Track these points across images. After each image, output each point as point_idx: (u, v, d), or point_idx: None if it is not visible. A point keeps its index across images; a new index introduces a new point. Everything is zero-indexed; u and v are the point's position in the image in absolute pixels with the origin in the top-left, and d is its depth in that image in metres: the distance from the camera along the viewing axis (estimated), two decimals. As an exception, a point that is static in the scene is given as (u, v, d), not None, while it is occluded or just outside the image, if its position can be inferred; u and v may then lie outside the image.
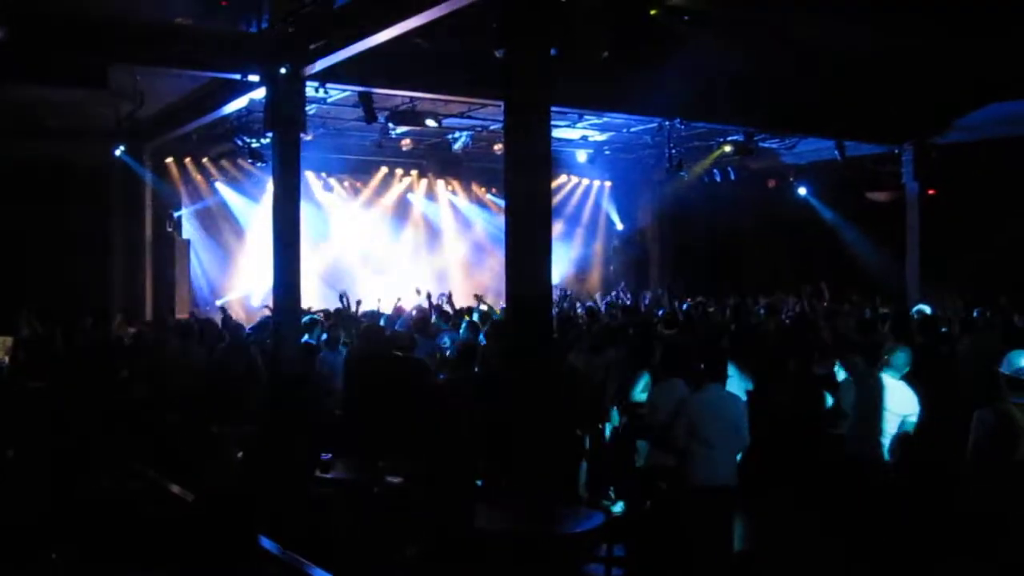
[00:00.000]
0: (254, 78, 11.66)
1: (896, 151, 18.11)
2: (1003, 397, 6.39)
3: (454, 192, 22.52)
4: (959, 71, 13.42)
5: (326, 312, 13.96)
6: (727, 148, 18.31)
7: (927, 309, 14.19)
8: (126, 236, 18.20)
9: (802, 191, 20.87)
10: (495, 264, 20.49)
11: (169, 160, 18.60)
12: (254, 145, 15.62)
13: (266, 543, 4.29)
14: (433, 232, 22.43)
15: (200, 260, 19.51)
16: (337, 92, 13.52)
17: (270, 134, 12.18)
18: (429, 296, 15.04)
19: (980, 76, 13.89)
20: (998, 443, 6.27)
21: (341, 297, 14.02)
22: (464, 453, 7.38)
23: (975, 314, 13.03)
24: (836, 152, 17.84)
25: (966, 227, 18.37)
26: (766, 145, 19.24)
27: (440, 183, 22.21)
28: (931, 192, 18.09)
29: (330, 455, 8.06)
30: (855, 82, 14.11)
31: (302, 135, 11.96)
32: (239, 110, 14.37)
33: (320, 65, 11.10)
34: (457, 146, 17.69)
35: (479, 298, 16.12)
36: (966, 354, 9.67)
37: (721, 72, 13.31)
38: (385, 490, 7.45)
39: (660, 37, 11.23)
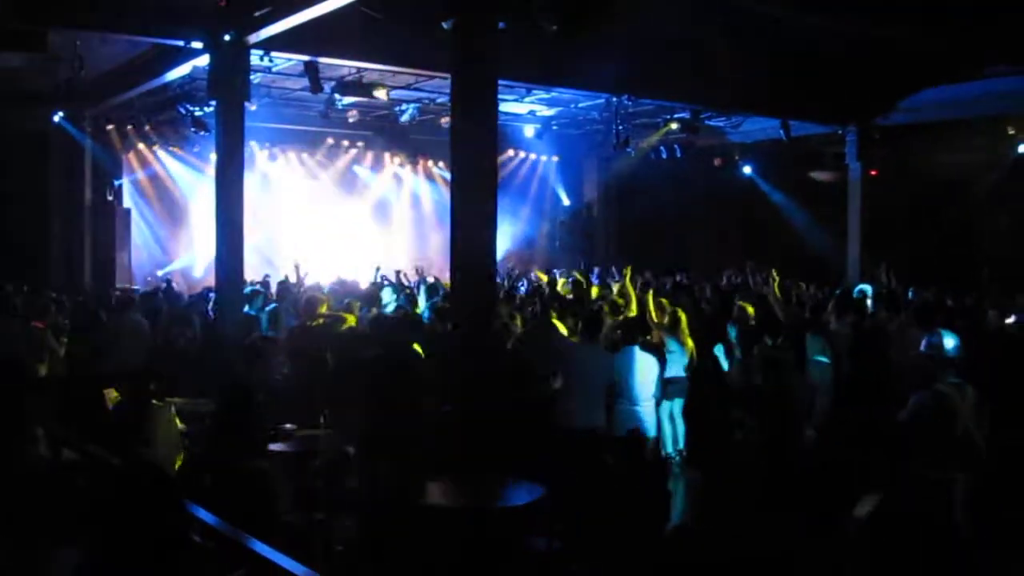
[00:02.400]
0: (197, 45, 11.46)
1: (840, 132, 18.32)
2: (936, 378, 6.55)
3: (401, 165, 22.38)
4: (903, 54, 13.57)
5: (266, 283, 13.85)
6: (673, 125, 18.36)
7: (868, 289, 14.41)
8: (64, 204, 17.86)
9: (747, 170, 21.05)
10: (442, 238, 20.42)
11: (110, 127, 18.23)
12: (197, 113, 15.39)
13: (204, 516, 4.24)
14: (380, 205, 22.30)
15: (141, 230, 19.22)
16: (282, 61, 13.33)
17: (213, 102, 12.00)
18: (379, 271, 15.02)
19: (922, 59, 14.05)
20: (936, 423, 6.43)
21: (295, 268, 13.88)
22: (413, 424, 7.36)
23: (910, 295, 13.23)
24: (781, 132, 17.98)
25: (907, 208, 18.68)
26: (712, 123, 19.37)
27: (387, 155, 22.05)
28: (873, 173, 18.34)
29: (273, 427, 8.02)
30: (801, 63, 14.21)
31: (246, 104, 11.80)
32: (182, 77, 14.13)
33: (265, 33, 10.93)
34: (404, 118, 17.56)
35: (420, 271, 16.03)
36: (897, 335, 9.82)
37: (669, 49, 13.33)
38: (327, 463, 7.43)
39: (608, 11, 11.21)
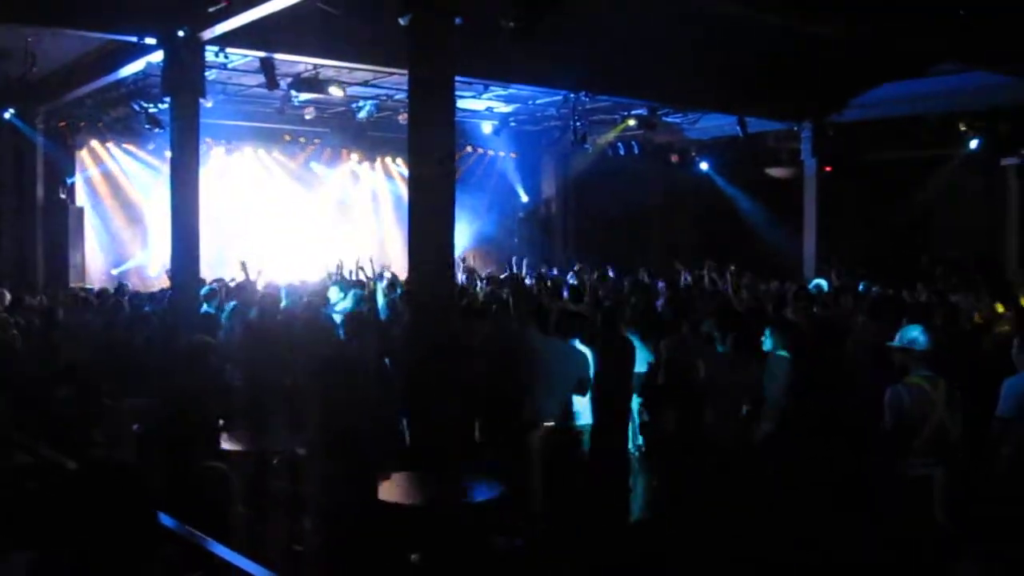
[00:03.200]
0: (151, 41, 11.33)
1: (795, 129, 18.49)
2: (907, 372, 6.61)
3: (359, 162, 22.27)
4: (856, 52, 13.71)
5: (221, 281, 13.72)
6: (631, 122, 18.45)
7: (824, 284, 14.57)
8: (16, 202, 17.59)
9: (704, 166, 21.18)
10: (401, 235, 20.34)
11: (63, 124, 17.95)
12: (151, 110, 15.23)
13: (163, 518, 4.20)
14: (338, 202, 22.17)
15: (95, 228, 18.97)
16: (238, 57, 13.21)
17: (168, 99, 11.88)
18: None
19: (875, 57, 14.21)
20: (912, 416, 6.48)
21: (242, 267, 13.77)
22: (368, 423, 7.32)
23: (860, 288, 13.39)
24: (738, 128, 18.11)
25: (861, 203, 18.92)
26: (669, 120, 19.47)
27: (345, 152, 21.93)
28: (828, 169, 18.53)
29: (229, 427, 7.96)
30: (757, 60, 14.32)
31: (201, 101, 11.70)
32: (136, 74, 13.96)
33: (219, 29, 10.83)
34: (362, 115, 17.49)
35: (379, 267, 15.95)
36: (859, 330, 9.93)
37: (626, 47, 13.38)
38: (286, 462, 7.38)
39: (566, 9, 11.23)
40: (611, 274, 17.16)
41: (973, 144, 17.19)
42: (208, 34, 11.01)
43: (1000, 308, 10.46)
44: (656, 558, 7.03)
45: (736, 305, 10.65)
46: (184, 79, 11.14)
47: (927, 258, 16.73)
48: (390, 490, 6.12)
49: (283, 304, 11.54)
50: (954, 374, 6.80)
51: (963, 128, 16.95)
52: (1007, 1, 11.01)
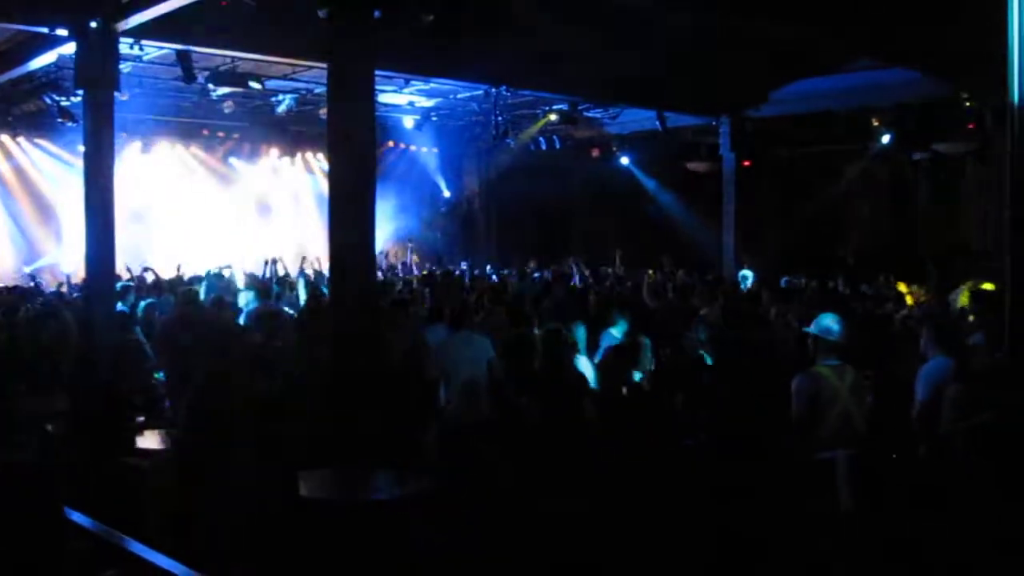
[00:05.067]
0: (62, 32, 11.06)
1: (714, 123, 18.74)
2: (816, 360, 6.78)
3: (280, 156, 22.04)
4: (773, 48, 13.95)
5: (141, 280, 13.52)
6: (552, 117, 18.55)
7: (749, 274, 14.84)
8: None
9: (625, 160, 21.36)
10: (322, 230, 20.15)
11: (-29, 118, 17.52)
12: (64, 103, 14.88)
13: (77, 517, 4.14)
14: (258, 198, 21.91)
15: (6, 224, 18.51)
16: (154, 50, 12.98)
17: (81, 92, 11.61)
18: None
19: (791, 53, 14.46)
20: (815, 405, 6.66)
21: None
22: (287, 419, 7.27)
23: (783, 283, 13.65)
24: (658, 123, 18.30)
25: (779, 197, 19.27)
26: (590, 115, 19.60)
27: (265, 147, 21.68)
28: (746, 163, 18.83)
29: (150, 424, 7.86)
30: (676, 55, 14.48)
31: (116, 94, 11.45)
32: (47, 66, 13.60)
33: (134, 20, 10.60)
34: (281, 109, 17.31)
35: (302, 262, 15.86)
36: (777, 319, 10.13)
37: (546, 42, 13.43)
38: (206, 460, 7.29)
39: (486, 3, 11.26)
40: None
41: (885, 139, 17.61)
42: (123, 26, 10.76)
43: (909, 299, 10.74)
44: (563, 548, 7.10)
45: (648, 299, 10.85)
46: (98, 72, 10.87)
47: (846, 251, 17.13)
48: (311, 485, 6.08)
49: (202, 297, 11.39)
50: (866, 362, 7.01)
51: (875, 123, 17.35)
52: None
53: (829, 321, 6.87)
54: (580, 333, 8.41)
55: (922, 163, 18.77)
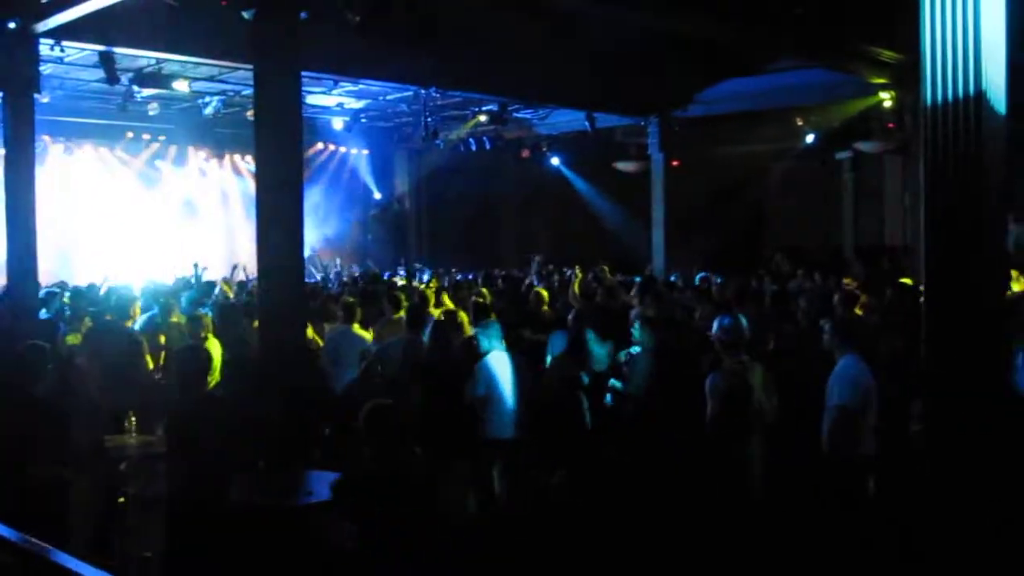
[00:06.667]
0: (-22, 33, 10.83)
1: (642, 123, 18.89)
2: (729, 358, 6.94)
3: (207, 159, 21.75)
4: (698, 49, 14.11)
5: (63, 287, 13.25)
6: (482, 117, 18.58)
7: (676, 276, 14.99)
8: None
9: (555, 161, 21.47)
10: (251, 233, 19.92)
11: None
12: (-18, 106, 14.53)
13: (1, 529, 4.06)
14: (185, 201, 21.59)
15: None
16: (75, 51, 12.75)
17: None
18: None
19: (716, 54, 14.65)
20: (731, 401, 6.80)
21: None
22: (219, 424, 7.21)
23: (696, 279, 13.82)
24: (587, 123, 18.42)
25: (707, 196, 19.51)
26: (520, 115, 19.65)
27: (191, 149, 21.38)
28: (675, 163, 19.03)
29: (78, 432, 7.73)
30: (604, 56, 14.58)
31: (37, 96, 11.23)
32: (-36, 68, 13.31)
33: (54, 21, 10.39)
34: (208, 111, 17.09)
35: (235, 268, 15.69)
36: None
37: (474, 42, 13.46)
38: (133, 467, 7.22)
39: (414, 3, 11.25)
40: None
41: (809, 138, 17.93)
42: (43, 26, 10.55)
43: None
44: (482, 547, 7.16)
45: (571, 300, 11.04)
46: (17, 73, 10.65)
47: (776, 251, 17.37)
48: (241, 489, 6.04)
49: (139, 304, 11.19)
50: (775, 359, 7.21)
51: (800, 123, 17.66)
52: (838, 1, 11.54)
53: (731, 320, 7.05)
54: (494, 331, 8.44)
55: (845, 162, 19.16)
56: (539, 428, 8.15)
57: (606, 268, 14.54)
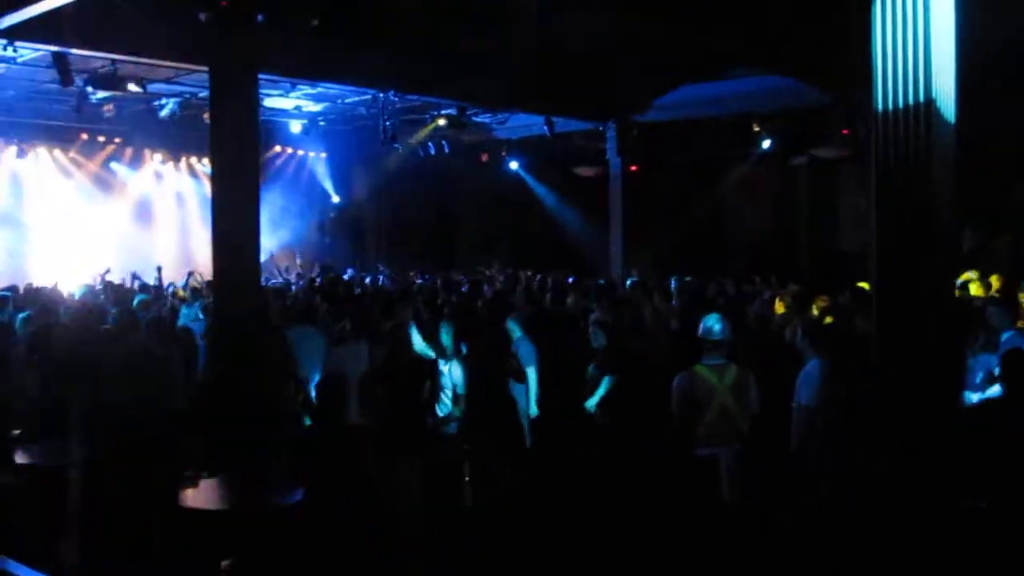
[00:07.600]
0: (-71, 33, 10.68)
1: (601, 128, 18.97)
2: (701, 360, 6.99)
3: (163, 161, 21.52)
4: (656, 54, 14.20)
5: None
6: (441, 121, 18.53)
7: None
8: None
9: (514, 165, 21.49)
10: (207, 236, 19.74)
11: None
12: (-68, 107, 14.34)
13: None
14: (141, 204, 21.35)
15: None
16: (29, 52, 12.59)
17: (-50, 95, 11.23)
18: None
19: (674, 60, 14.75)
20: (691, 402, 6.86)
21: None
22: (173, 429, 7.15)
23: (672, 283, 13.88)
24: (545, 128, 18.46)
25: (664, 200, 19.63)
26: (479, 120, 19.64)
27: (148, 152, 21.15)
28: (633, 168, 19.12)
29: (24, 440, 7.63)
30: (563, 61, 14.63)
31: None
32: (-87, 68, 13.14)
33: (6, 21, 10.27)
34: (164, 113, 16.95)
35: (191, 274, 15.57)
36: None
37: (434, 45, 13.45)
38: (84, 474, 7.12)
39: (373, 6, 11.22)
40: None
41: (766, 144, 18.08)
42: (-5, 26, 10.45)
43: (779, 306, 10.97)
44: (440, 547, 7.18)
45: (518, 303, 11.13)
46: (-32, 74, 10.54)
47: (741, 258, 17.49)
48: (196, 496, 5.99)
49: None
50: (752, 361, 7.27)
51: (756, 129, 17.80)
52: (791, 7, 11.64)
53: (711, 322, 7.10)
54: (445, 336, 8.44)
55: (801, 167, 19.33)
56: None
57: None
